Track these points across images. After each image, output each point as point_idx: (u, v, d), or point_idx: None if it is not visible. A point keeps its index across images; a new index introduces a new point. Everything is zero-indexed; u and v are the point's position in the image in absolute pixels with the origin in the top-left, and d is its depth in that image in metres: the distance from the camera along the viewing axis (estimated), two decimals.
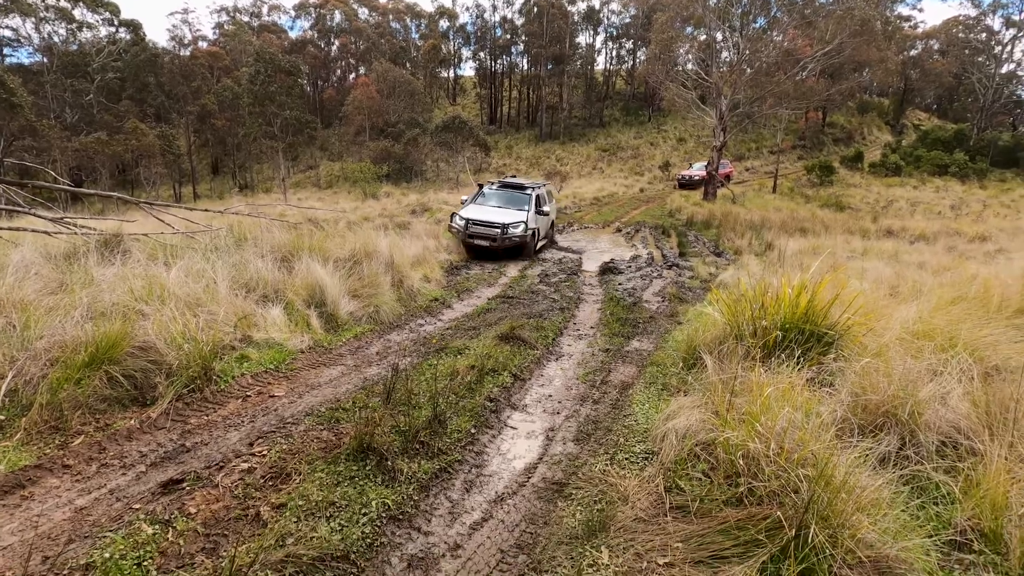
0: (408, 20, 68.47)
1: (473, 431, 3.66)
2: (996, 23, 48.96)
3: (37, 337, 3.69)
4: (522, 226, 11.31)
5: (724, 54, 25.96)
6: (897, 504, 2.57)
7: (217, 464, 3.05)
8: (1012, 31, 47.55)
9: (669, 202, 23.93)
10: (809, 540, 2.18)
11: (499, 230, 11.12)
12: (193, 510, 2.63)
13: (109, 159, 37.61)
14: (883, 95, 60.87)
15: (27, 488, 2.73)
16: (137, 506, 2.65)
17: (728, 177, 30.77)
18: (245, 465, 3.05)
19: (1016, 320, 4.77)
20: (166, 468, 3.01)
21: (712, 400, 3.33)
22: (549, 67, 54.48)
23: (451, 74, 70.46)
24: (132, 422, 3.42)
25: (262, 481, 2.90)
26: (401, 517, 2.74)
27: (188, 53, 54.86)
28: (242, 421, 3.60)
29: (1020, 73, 49.17)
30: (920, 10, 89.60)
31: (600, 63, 63.30)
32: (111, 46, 46.22)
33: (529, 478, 3.21)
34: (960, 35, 51.01)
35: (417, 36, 67.98)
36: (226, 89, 42.50)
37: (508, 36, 59.51)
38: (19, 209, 6.63)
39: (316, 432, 3.45)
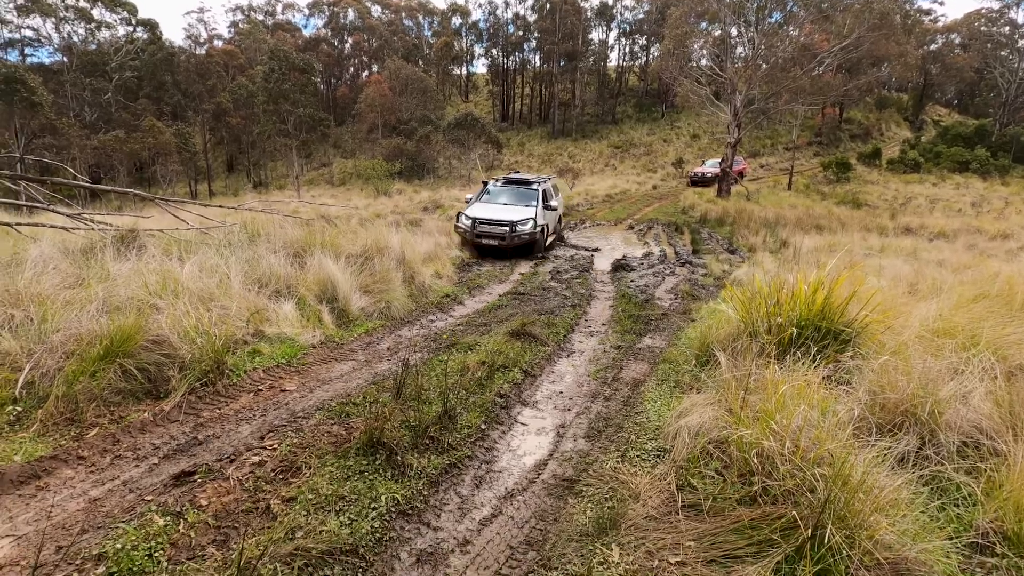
0: (421, 17, 68.60)
1: (483, 427, 3.65)
2: (1020, 16, 48.18)
3: (54, 330, 3.74)
4: (531, 223, 11.09)
5: (739, 49, 25.66)
6: (916, 505, 2.50)
7: (228, 457, 3.07)
8: None
9: (682, 199, 23.71)
10: (825, 540, 2.13)
11: (507, 228, 10.88)
12: (204, 502, 2.64)
13: (127, 157, 38.19)
14: (902, 90, 59.83)
15: (43, 479, 2.77)
16: (149, 498, 2.67)
17: (742, 174, 30.40)
18: (256, 458, 3.06)
19: None
20: (178, 460, 3.03)
21: (725, 397, 3.28)
22: (561, 64, 54.24)
23: (463, 71, 70.46)
24: (145, 415, 3.46)
25: (272, 474, 2.91)
26: (410, 512, 2.73)
27: (204, 52, 55.46)
28: (253, 415, 3.62)
29: None
30: (941, 3, 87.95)
31: (613, 59, 62.92)
32: (128, 45, 46.82)
33: (539, 474, 3.19)
34: (982, 28, 49.92)
35: (429, 33, 68.12)
36: (241, 87, 42.94)
37: (520, 33, 59.33)
38: (39, 205, 6.74)
39: (326, 426, 3.46)
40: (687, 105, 31.10)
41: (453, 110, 54.65)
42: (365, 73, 65.03)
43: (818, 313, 4.07)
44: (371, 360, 4.86)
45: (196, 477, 2.86)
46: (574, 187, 29.09)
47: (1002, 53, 48.42)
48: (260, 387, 4.06)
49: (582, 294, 8.22)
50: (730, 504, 2.60)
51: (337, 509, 2.64)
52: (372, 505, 2.69)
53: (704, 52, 28.48)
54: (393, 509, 2.70)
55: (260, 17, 65.73)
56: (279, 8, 67.87)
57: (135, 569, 2.19)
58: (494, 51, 62.37)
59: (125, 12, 47.79)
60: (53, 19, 44.73)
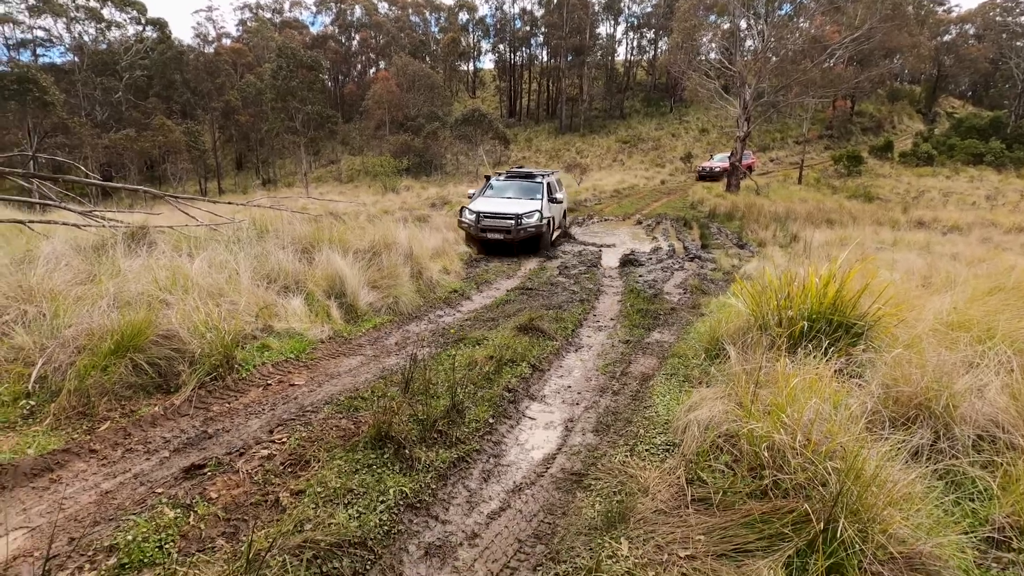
0: (427, 13, 68.55)
1: (491, 421, 3.64)
2: None
3: (66, 325, 3.77)
4: (536, 215, 10.98)
5: (748, 42, 25.34)
6: (931, 499, 2.46)
7: (238, 450, 3.08)
8: None
9: (691, 194, 23.55)
10: (838, 535, 2.10)
11: (513, 221, 10.75)
12: (214, 495, 2.66)
13: (137, 155, 38.56)
14: (915, 82, 58.94)
15: (55, 471, 2.80)
16: (160, 490, 2.69)
17: (751, 168, 30.12)
18: (265, 452, 3.07)
19: None
20: (188, 454, 3.05)
21: (736, 391, 3.24)
22: (569, 59, 53.98)
23: (471, 67, 70.39)
24: (156, 409, 3.48)
25: (281, 468, 2.92)
26: (419, 505, 2.73)
27: (212, 50, 55.82)
28: (263, 409, 3.64)
29: None
30: None
31: (620, 54, 62.71)
32: (138, 44, 47.23)
33: (547, 468, 3.18)
34: (998, 18, 49.06)
35: (436, 29, 68.07)
36: (249, 85, 43.18)
37: (527, 28, 59.15)
38: (51, 203, 6.80)
39: (335, 420, 3.47)
40: (696, 99, 30.75)
41: (460, 106, 54.59)
42: (372, 70, 65.20)
43: (830, 306, 4.02)
44: (379, 355, 4.87)
45: (206, 470, 2.88)
46: (582, 182, 28.96)
47: (1018, 43, 47.54)
48: (269, 381, 4.08)
49: (590, 289, 8.19)
50: (740, 498, 2.57)
51: (346, 502, 2.64)
52: (380, 498, 2.70)
53: (713, 45, 28.24)
54: (401, 502, 2.70)
55: (268, 15, 66.11)
56: (287, 5, 68.22)
57: (146, 560, 2.21)
58: (501, 46, 62.29)
59: (135, 11, 48.19)
60: (64, 19, 45.20)
